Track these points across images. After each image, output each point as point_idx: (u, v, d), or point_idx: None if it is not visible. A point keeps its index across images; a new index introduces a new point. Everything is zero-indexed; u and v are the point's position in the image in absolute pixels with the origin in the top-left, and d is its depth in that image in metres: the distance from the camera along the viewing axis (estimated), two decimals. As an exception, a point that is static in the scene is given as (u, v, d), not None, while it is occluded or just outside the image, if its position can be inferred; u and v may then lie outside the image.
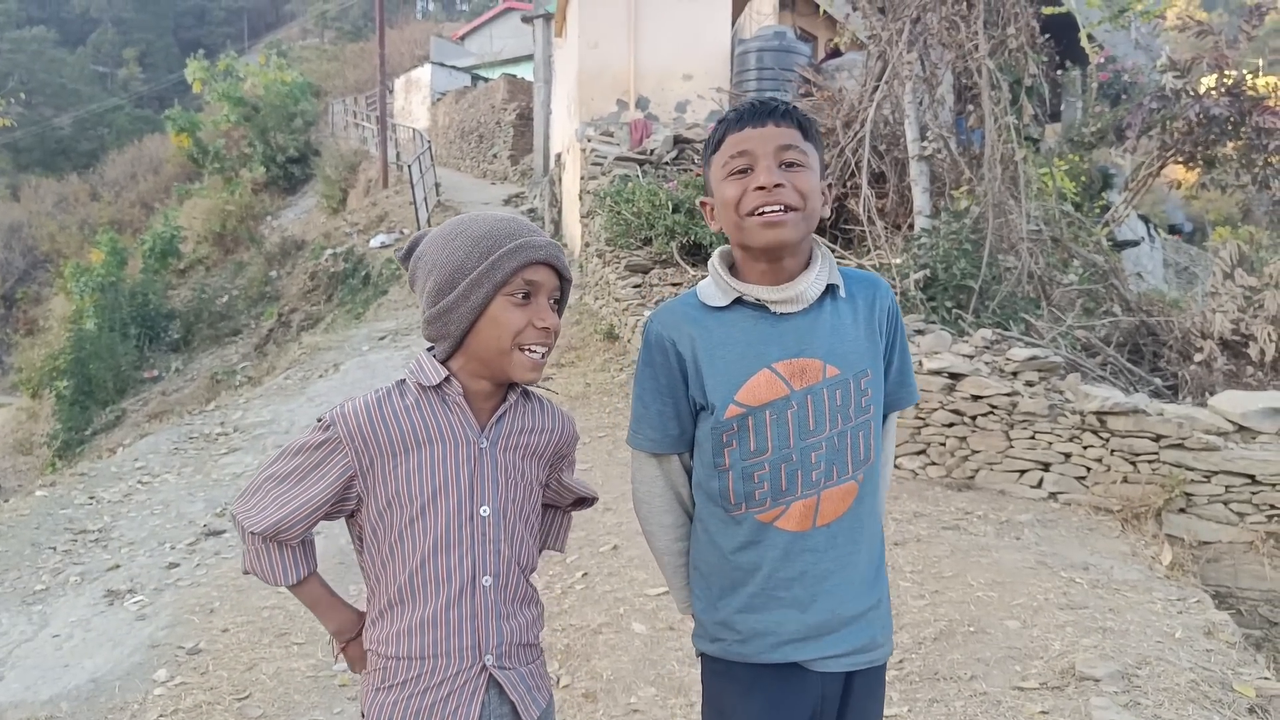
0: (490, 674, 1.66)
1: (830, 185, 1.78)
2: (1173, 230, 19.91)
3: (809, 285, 1.70)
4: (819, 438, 1.69)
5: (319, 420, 1.67)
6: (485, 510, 1.67)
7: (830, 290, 1.74)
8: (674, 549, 1.89)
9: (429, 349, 1.73)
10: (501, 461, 1.69)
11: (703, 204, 1.84)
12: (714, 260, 1.79)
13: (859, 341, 1.73)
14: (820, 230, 8.41)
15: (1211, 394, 6.25)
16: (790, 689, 1.73)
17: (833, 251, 7.85)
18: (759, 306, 1.72)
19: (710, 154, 1.77)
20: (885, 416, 1.86)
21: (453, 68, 29.03)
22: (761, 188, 1.65)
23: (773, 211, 1.64)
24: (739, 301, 1.73)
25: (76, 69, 62.30)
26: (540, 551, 1.87)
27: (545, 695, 1.77)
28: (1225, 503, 5.22)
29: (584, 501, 1.93)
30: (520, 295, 1.63)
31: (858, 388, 1.71)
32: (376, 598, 1.70)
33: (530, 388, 1.77)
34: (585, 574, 4.84)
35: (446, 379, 1.66)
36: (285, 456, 1.66)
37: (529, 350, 1.64)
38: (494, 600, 1.68)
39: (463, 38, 36.11)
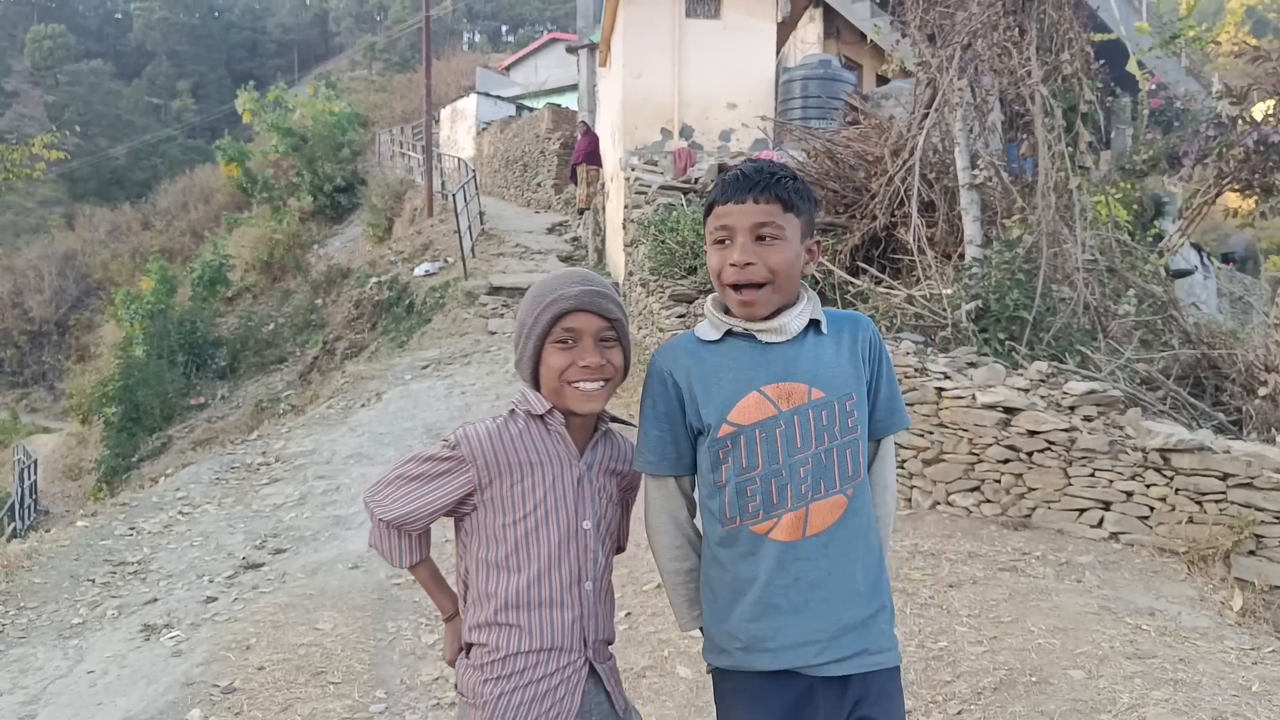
0: (591, 665, 1.96)
1: (818, 241, 2.01)
2: (1225, 259, 19.48)
3: (792, 319, 1.92)
4: (806, 454, 1.87)
5: (445, 440, 1.94)
6: (587, 524, 1.96)
7: (813, 325, 1.95)
8: (671, 567, 2.07)
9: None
10: (595, 482, 2.00)
11: None
12: (707, 303, 2.02)
13: (842, 369, 1.93)
14: (868, 259, 8.27)
15: (1279, 430, 6.00)
16: (796, 699, 1.87)
17: (880, 281, 7.74)
18: (748, 336, 1.94)
19: (705, 216, 2.00)
20: (879, 442, 2.06)
21: (498, 98, 29.22)
22: (734, 265, 1.88)
23: (747, 289, 1.88)
24: (730, 334, 1.95)
25: (132, 101, 63.90)
26: None
27: (623, 690, 2.06)
28: (1298, 546, 4.98)
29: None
30: (562, 341, 1.91)
31: (843, 409, 1.90)
32: (482, 600, 1.93)
33: (610, 426, 2.07)
34: (629, 613, 4.71)
35: (550, 410, 1.94)
36: (415, 461, 1.94)
37: (577, 385, 1.91)
38: (593, 602, 1.97)
39: (508, 68, 36.46)
